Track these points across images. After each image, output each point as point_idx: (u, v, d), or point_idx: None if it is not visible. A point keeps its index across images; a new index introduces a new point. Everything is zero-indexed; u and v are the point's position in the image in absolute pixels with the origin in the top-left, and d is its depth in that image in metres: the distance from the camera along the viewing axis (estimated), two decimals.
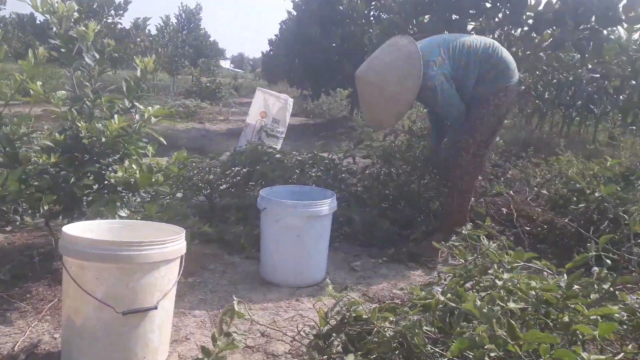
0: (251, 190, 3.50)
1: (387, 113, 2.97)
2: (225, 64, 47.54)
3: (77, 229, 1.90)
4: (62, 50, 2.54)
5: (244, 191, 3.58)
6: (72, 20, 2.58)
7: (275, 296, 2.50)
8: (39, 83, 2.46)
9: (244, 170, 3.71)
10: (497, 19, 4.85)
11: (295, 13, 10.83)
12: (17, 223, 3.14)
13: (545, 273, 1.77)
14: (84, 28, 2.52)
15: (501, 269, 1.67)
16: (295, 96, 12.21)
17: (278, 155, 3.76)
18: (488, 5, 4.91)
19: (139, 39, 13.45)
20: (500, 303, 1.51)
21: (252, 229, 3.11)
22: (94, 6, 11.03)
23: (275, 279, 2.65)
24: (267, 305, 2.38)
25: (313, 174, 3.70)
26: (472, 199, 3.34)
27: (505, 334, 1.32)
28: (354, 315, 1.54)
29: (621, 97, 7.19)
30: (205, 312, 2.30)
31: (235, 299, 1.45)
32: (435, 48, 2.91)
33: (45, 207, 2.59)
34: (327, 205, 2.61)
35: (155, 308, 1.80)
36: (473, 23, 5.24)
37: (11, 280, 2.42)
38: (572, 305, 1.49)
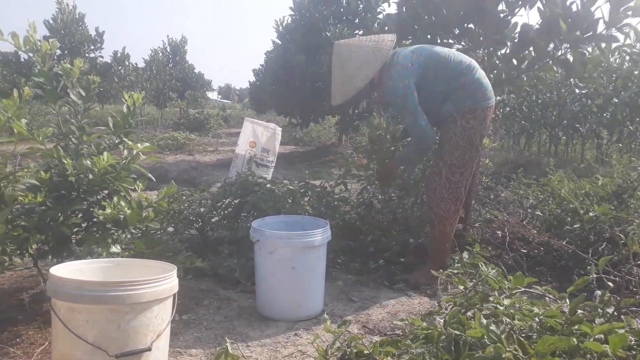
0: (243, 222, 3.44)
1: (339, 91, 3.02)
2: (213, 95, 47.83)
3: (65, 270, 1.85)
4: (47, 87, 2.51)
5: (236, 223, 3.53)
6: (55, 57, 2.55)
7: (273, 331, 2.43)
8: (24, 121, 2.41)
9: (236, 201, 3.67)
10: (480, 39, 4.88)
11: (280, 42, 10.93)
12: (6, 264, 3.06)
13: (547, 298, 1.74)
14: (69, 65, 2.50)
15: (502, 296, 1.64)
16: (284, 125, 12.27)
17: (269, 185, 3.72)
18: (471, 26, 4.94)
19: (123, 71, 13.45)
20: (507, 319, 1.48)
21: (247, 261, 3.05)
22: (73, 43, 11.09)
23: (272, 313, 2.58)
24: (265, 342, 2.32)
25: (305, 203, 3.66)
26: (460, 225, 3.26)
27: (516, 349, 1.29)
28: (355, 351, 1.49)
29: (605, 115, 7.29)
30: (202, 350, 2.23)
31: (227, 340, 1.40)
32: (409, 53, 2.93)
33: (34, 247, 2.53)
34: (320, 235, 2.57)
35: (149, 349, 1.74)
36: (458, 45, 5.28)
37: (0, 324, 2.34)
38: (578, 331, 1.45)
